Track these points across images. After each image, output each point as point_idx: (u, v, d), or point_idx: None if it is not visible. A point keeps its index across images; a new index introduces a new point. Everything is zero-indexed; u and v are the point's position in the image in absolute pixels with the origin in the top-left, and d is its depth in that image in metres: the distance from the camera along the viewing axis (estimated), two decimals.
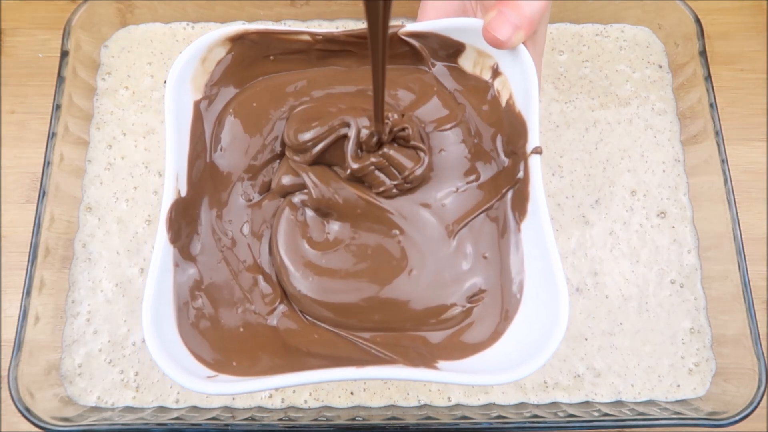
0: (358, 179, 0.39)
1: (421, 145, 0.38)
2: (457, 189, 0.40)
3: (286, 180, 0.39)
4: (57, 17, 0.55)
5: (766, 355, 0.44)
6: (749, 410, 0.42)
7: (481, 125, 0.41)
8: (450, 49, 0.41)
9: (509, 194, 0.39)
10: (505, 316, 0.37)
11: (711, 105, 0.49)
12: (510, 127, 0.39)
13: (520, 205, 0.38)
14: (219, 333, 0.37)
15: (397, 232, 0.39)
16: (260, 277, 0.39)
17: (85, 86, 0.52)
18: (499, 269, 0.38)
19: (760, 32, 0.57)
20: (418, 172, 0.38)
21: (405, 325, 0.38)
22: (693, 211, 0.50)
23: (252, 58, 0.41)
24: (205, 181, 0.39)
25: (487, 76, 0.40)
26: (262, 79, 0.42)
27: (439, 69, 0.42)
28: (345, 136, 0.38)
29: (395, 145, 0.39)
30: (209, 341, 0.36)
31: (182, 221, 0.37)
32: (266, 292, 0.38)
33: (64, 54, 0.50)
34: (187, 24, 0.55)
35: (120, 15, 0.53)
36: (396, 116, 0.38)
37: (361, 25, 0.52)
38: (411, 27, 0.40)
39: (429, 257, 0.39)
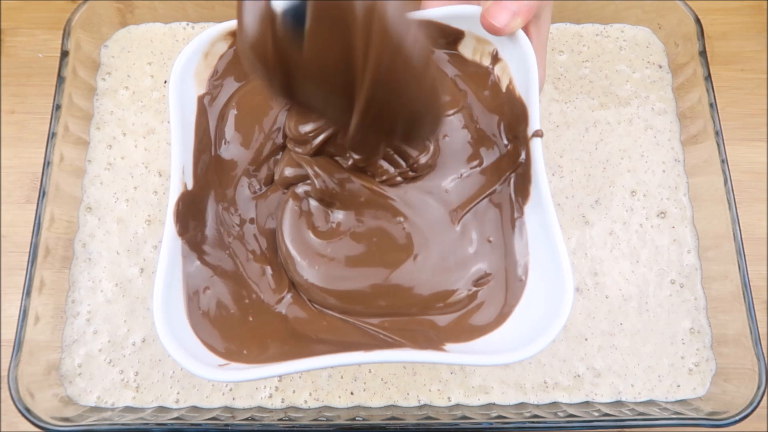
0: (361, 169, 0.39)
1: None
2: (461, 175, 0.40)
3: (289, 172, 0.39)
4: (57, 17, 0.55)
5: (766, 355, 0.44)
6: (749, 410, 0.42)
7: (482, 111, 0.41)
8: (449, 37, 0.41)
9: (512, 178, 0.39)
10: (511, 298, 0.37)
11: (711, 105, 0.49)
12: (511, 112, 0.39)
13: (523, 189, 0.38)
14: (229, 322, 0.37)
15: (402, 219, 0.39)
16: (267, 267, 0.39)
17: (85, 86, 0.52)
18: (504, 253, 0.38)
19: (760, 32, 0.57)
20: (423, 160, 0.38)
21: (411, 309, 0.38)
22: (693, 211, 0.50)
23: None
24: (210, 174, 0.40)
25: (486, 62, 0.40)
26: None
27: (439, 56, 0.42)
28: None
29: None
30: (219, 331, 0.36)
31: (189, 214, 0.38)
32: (274, 282, 0.39)
33: (64, 54, 0.50)
34: (187, 24, 0.55)
35: (120, 15, 0.53)
36: None
37: None
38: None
39: (434, 243, 0.39)
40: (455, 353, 0.34)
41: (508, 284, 0.38)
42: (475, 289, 0.38)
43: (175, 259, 0.36)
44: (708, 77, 0.50)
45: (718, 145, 0.48)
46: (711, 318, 0.48)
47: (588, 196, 0.50)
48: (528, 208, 0.38)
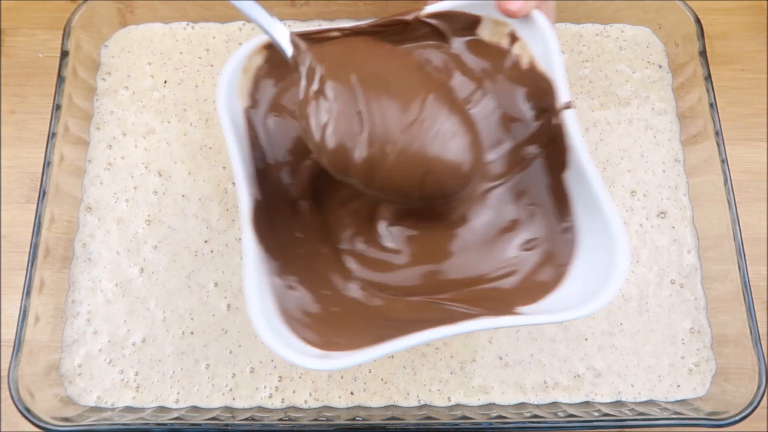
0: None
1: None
2: (492, 159, 0.41)
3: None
4: (57, 17, 0.55)
5: (766, 355, 0.44)
6: (749, 410, 0.42)
7: (504, 91, 0.42)
8: (468, 23, 0.43)
9: (544, 151, 0.41)
10: (563, 257, 0.39)
11: (711, 105, 0.49)
12: (535, 88, 0.41)
13: (558, 158, 0.39)
14: (317, 316, 0.38)
15: (456, 229, 0.41)
16: (338, 259, 0.41)
17: (85, 86, 0.52)
18: (547, 219, 0.40)
19: (760, 32, 0.57)
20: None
21: (470, 283, 0.40)
22: (693, 211, 0.50)
23: (285, 61, 0.41)
24: (272, 180, 0.41)
25: (505, 42, 0.42)
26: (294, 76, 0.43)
27: (459, 42, 0.44)
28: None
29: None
30: (312, 325, 0.37)
31: (262, 223, 0.38)
32: (344, 274, 0.40)
33: (64, 54, 0.50)
34: (187, 24, 0.55)
35: (120, 15, 0.53)
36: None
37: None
38: (430, 8, 0.42)
39: (479, 233, 0.41)
40: (530, 315, 0.36)
41: (557, 245, 0.39)
42: (524, 254, 0.40)
43: (259, 269, 0.37)
44: (708, 77, 0.50)
45: (718, 145, 0.48)
46: (711, 318, 0.48)
47: None
48: (569, 176, 0.39)
